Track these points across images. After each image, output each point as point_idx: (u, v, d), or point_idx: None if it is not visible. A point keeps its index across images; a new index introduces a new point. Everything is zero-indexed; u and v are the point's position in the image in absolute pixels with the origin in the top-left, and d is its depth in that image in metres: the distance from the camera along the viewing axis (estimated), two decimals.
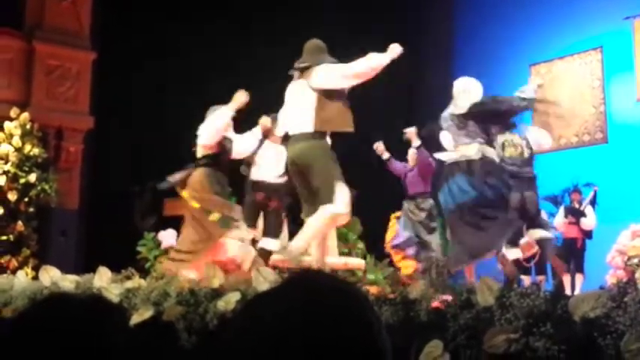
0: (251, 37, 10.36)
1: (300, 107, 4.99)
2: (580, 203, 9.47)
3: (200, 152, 5.81)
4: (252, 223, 6.64)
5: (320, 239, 5.12)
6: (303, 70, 5.10)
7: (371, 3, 11.60)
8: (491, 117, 5.76)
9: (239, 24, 10.67)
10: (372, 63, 4.99)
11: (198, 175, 5.69)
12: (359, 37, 11.16)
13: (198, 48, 10.22)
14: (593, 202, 9.51)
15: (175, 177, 5.82)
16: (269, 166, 6.61)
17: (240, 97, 5.72)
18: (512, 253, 6.31)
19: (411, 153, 8.59)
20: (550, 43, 11.85)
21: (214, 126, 5.72)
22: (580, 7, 11.36)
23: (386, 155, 8.70)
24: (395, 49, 5.06)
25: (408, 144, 8.59)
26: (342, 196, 4.84)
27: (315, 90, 4.94)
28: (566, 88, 11.92)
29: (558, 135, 11.84)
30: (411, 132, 8.36)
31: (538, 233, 6.10)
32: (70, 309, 1.21)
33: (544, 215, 7.01)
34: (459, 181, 5.48)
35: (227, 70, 10.01)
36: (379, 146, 8.65)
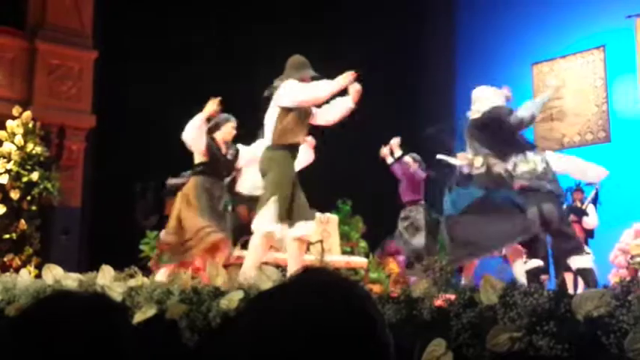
0: (254, 38, 10.36)
1: (268, 121, 5.21)
2: (582, 202, 9.45)
3: (195, 159, 5.98)
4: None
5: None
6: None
7: (372, 4, 11.59)
8: (500, 130, 5.60)
9: (242, 24, 10.67)
10: (319, 93, 5.13)
11: (190, 182, 5.89)
12: (361, 37, 11.18)
13: (200, 47, 10.22)
14: (595, 201, 9.49)
15: (172, 181, 5.95)
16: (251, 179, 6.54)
17: (211, 106, 5.85)
18: (532, 263, 6.32)
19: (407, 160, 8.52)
20: (552, 42, 11.84)
21: (188, 133, 5.85)
22: (582, 6, 11.35)
23: (390, 160, 8.60)
24: (346, 77, 5.13)
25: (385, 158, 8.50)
26: (268, 212, 4.92)
27: (276, 105, 5.17)
28: (568, 87, 11.91)
29: (561, 134, 11.85)
30: (393, 143, 8.35)
31: (576, 262, 5.69)
32: (72, 307, 1.21)
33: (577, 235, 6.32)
34: (467, 187, 5.42)
35: (230, 69, 10.01)
36: (393, 144, 8.51)
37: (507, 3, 12.06)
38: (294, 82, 5.15)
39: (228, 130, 6.15)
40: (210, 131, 6.07)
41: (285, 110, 5.12)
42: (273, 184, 5.01)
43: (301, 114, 5.19)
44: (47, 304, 1.24)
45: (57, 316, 1.18)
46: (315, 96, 5.12)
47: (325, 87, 5.11)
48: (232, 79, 9.94)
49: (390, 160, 8.62)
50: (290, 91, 5.12)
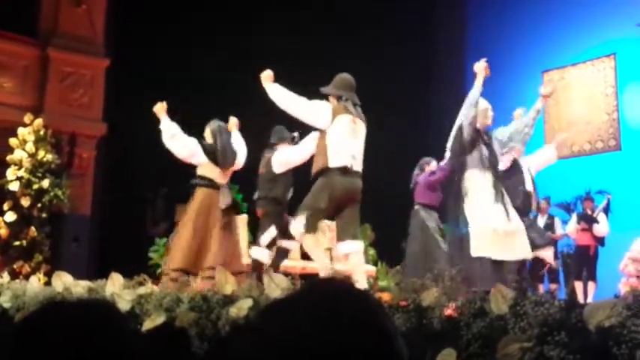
0: (264, 44, 10.38)
1: (360, 147, 5.48)
2: (592, 211, 9.40)
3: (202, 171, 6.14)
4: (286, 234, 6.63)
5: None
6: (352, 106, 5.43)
7: (381, 11, 11.60)
8: None
9: (251, 31, 10.70)
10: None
11: (207, 196, 6.06)
12: (370, 49, 11.19)
13: (211, 55, 10.25)
14: (606, 210, 9.44)
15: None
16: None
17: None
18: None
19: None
20: (563, 49, 11.82)
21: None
22: (593, 14, 11.33)
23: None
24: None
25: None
26: None
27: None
28: (578, 95, 11.88)
29: (571, 142, 11.81)
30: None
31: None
32: (72, 314, 1.21)
33: None
34: None
35: (239, 75, 10.04)
36: None
37: (518, 11, 12.05)
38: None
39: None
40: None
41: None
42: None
43: None
44: (48, 310, 1.24)
45: (57, 323, 1.18)
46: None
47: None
48: (243, 88, 9.95)
49: None
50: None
